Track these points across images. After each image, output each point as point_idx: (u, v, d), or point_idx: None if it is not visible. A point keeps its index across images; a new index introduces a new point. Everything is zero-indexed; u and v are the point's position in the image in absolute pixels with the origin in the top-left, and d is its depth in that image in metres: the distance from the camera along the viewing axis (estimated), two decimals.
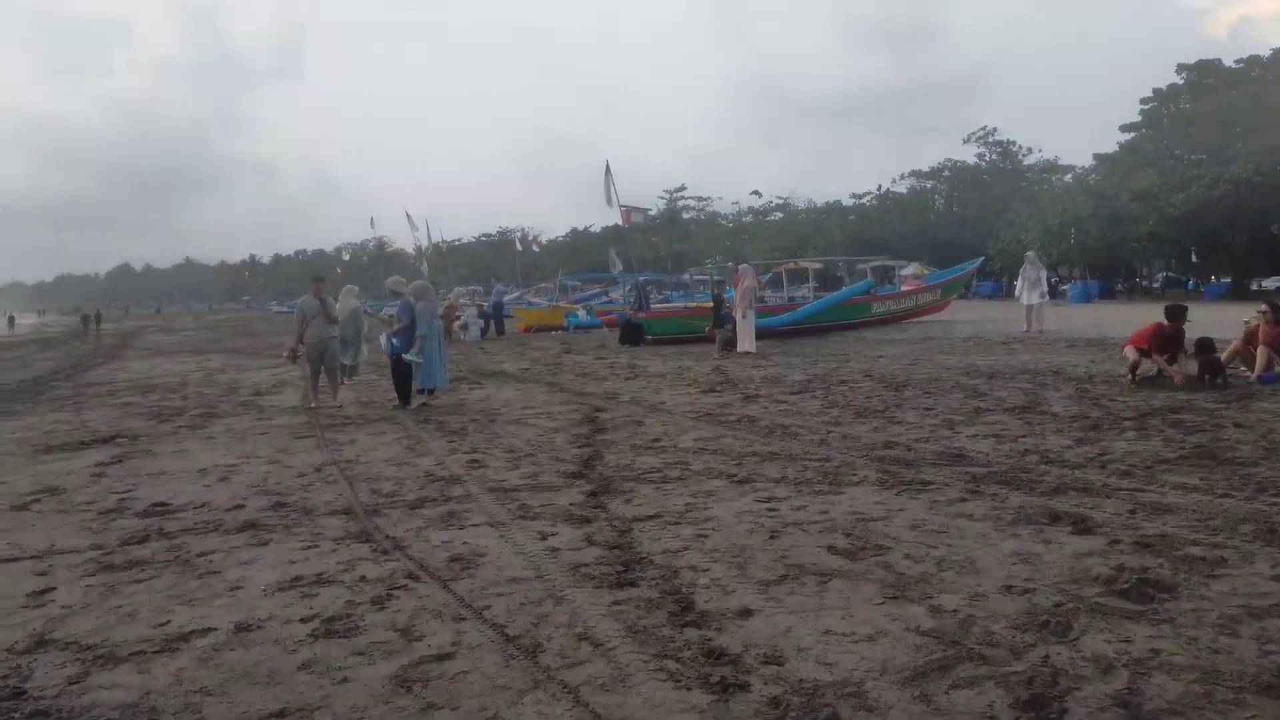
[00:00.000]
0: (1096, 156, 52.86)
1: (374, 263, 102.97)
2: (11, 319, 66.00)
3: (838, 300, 23.44)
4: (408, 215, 54.12)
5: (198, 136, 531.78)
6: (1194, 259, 48.58)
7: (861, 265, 28.19)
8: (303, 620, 4.21)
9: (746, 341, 17.58)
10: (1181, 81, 50.57)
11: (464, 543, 5.43)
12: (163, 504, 6.83)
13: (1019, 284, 19.90)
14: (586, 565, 4.85)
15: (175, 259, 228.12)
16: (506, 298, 42.25)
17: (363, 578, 4.85)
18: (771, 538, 5.22)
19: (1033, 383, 11.47)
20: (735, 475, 6.89)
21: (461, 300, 31.88)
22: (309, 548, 5.49)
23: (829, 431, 8.57)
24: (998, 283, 54.97)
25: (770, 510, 5.83)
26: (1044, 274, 19.75)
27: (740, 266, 18.13)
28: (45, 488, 7.49)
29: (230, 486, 7.36)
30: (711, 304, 18.22)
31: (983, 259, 37.39)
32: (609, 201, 22.74)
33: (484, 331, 26.65)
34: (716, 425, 9.32)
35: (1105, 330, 19.99)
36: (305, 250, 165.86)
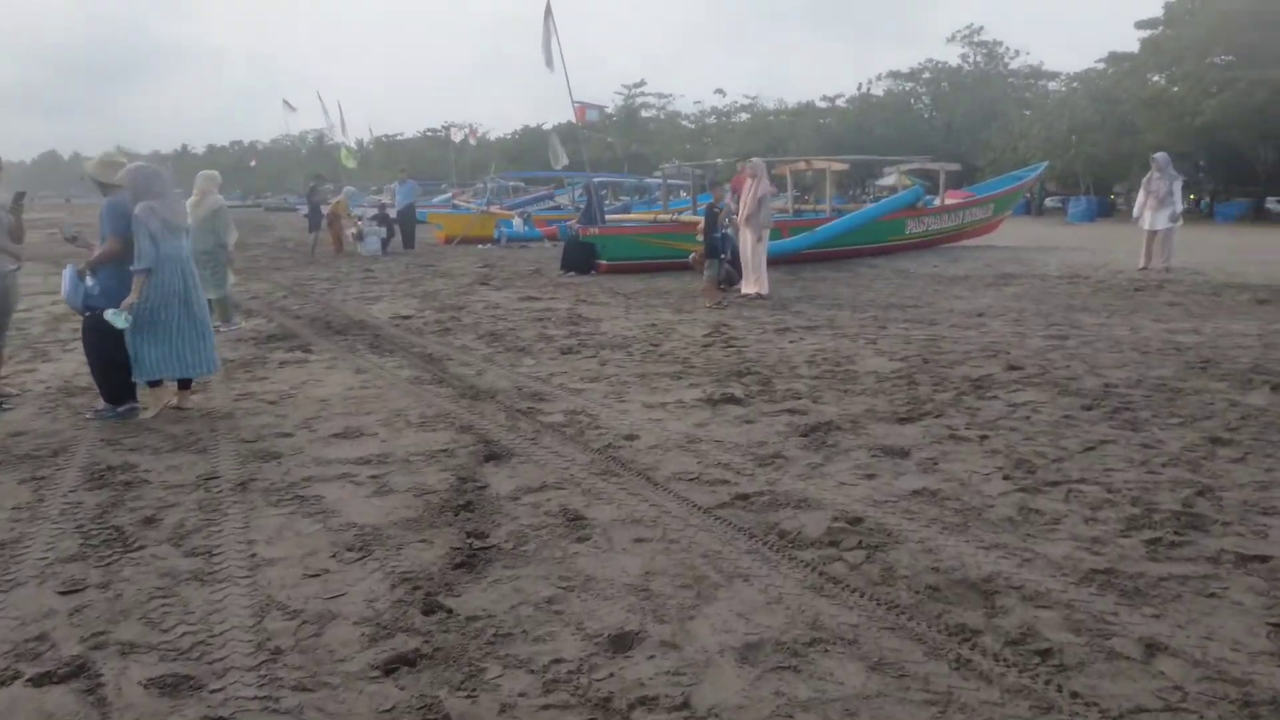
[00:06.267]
0: (1112, 55, 46.47)
1: (314, 157, 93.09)
2: None
3: (877, 215, 17.41)
4: (319, 97, 45.53)
5: (135, 20, 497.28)
6: (1199, 175, 43.44)
7: (890, 170, 21.65)
8: None
9: (756, 279, 11.53)
10: None
11: None
12: None
13: (1140, 199, 13.87)
14: None
15: (106, 147, 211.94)
16: (436, 199, 35.54)
17: None
18: None
19: None
20: None
21: (357, 200, 24.47)
22: None
23: (1144, 639, 2.76)
24: None
25: None
26: (1179, 186, 13.68)
27: (748, 164, 11.89)
28: None
29: None
30: (703, 221, 11.54)
31: (1047, 164, 30.64)
32: (548, 60, 15.69)
33: (386, 243, 20.17)
34: (784, 560, 3.59)
35: (1256, 263, 14.78)
36: (241, 142, 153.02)
